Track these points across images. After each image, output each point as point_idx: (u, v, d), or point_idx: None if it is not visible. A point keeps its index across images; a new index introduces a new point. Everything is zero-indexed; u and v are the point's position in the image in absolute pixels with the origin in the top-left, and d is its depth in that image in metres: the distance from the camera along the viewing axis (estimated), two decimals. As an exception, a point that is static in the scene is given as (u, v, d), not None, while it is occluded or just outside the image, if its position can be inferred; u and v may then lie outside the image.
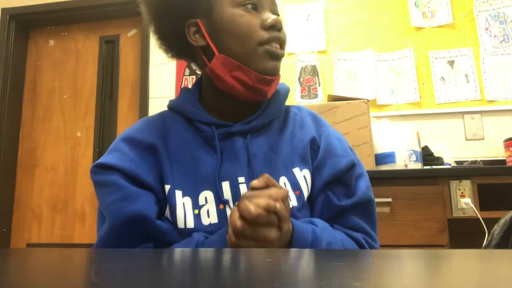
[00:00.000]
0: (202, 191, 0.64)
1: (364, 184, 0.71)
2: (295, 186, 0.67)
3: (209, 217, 0.62)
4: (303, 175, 0.68)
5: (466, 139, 2.04)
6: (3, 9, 2.73)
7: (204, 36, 0.67)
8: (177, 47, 0.75)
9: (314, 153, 0.71)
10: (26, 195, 2.64)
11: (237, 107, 0.70)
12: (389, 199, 1.44)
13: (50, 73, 2.78)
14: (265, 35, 0.64)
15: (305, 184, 0.68)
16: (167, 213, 0.64)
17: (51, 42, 2.82)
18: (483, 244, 0.88)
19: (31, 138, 2.71)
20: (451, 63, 2.12)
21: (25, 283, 0.26)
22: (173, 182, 0.64)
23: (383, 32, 2.23)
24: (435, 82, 2.11)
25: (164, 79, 2.47)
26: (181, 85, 2.44)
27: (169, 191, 0.63)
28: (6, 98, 2.64)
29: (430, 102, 2.10)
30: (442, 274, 0.28)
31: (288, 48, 2.32)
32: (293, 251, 0.45)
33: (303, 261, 0.37)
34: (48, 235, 2.55)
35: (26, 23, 2.80)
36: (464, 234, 1.48)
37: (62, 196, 2.58)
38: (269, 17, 0.65)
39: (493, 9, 2.12)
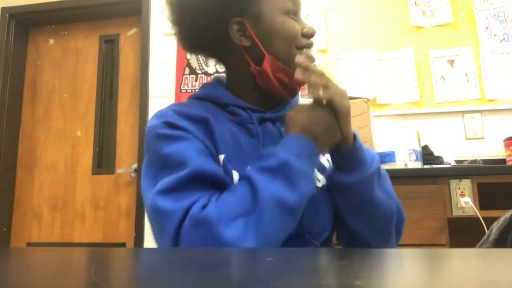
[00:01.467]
0: (248, 167, 0.65)
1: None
2: (322, 169, 0.73)
3: None
4: (326, 159, 0.76)
5: (466, 138, 2.04)
6: (3, 8, 2.73)
7: (249, 36, 0.71)
8: (211, 45, 0.77)
9: None
10: (26, 194, 2.64)
11: (265, 100, 0.75)
12: (389, 198, 1.44)
13: (50, 72, 2.78)
14: (303, 41, 0.72)
15: (329, 166, 0.74)
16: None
17: (51, 41, 2.82)
18: (481, 241, 0.88)
19: (31, 137, 2.71)
20: (451, 62, 2.12)
21: (25, 282, 0.26)
22: (226, 153, 0.66)
23: (383, 31, 2.23)
24: (435, 81, 2.11)
25: (164, 78, 2.47)
26: (181, 84, 2.44)
27: (223, 161, 0.65)
28: (6, 97, 2.64)
29: (430, 101, 2.10)
30: (442, 273, 0.29)
31: (288, 47, 2.33)
32: (293, 250, 0.45)
33: (303, 260, 0.37)
34: (48, 234, 2.55)
35: (26, 22, 2.80)
36: (464, 233, 1.48)
37: (62, 195, 2.58)
38: (306, 26, 0.73)
39: (493, 8, 2.12)
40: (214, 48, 0.77)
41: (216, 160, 0.66)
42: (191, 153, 0.62)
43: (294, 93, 0.74)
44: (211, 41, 0.75)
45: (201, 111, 0.69)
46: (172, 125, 0.65)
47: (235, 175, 0.65)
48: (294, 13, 0.72)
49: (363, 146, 0.69)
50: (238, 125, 0.71)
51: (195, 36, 0.76)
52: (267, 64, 0.70)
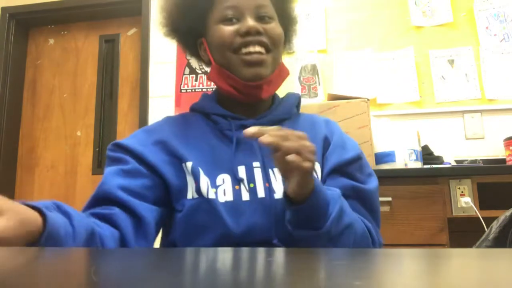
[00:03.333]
0: (220, 174, 0.69)
1: (373, 184, 0.75)
2: None
3: (225, 195, 0.67)
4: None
5: (466, 138, 2.04)
6: (3, 8, 2.73)
7: (207, 52, 0.78)
8: (197, 58, 0.85)
9: (326, 150, 0.77)
10: (26, 194, 2.64)
11: (246, 107, 0.77)
12: (389, 198, 1.44)
13: (50, 72, 2.78)
14: (238, 40, 0.71)
15: (316, 176, 0.72)
16: (193, 187, 0.68)
17: (51, 41, 2.82)
18: (480, 239, 0.88)
19: (31, 137, 2.71)
20: (451, 62, 2.12)
21: (25, 283, 0.26)
22: (196, 160, 0.70)
23: (383, 31, 2.23)
24: (435, 81, 2.11)
25: (164, 78, 2.47)
26: (181, 84, 2.44)
27: (192, 167, 0.69)
28: (6, 97, 2.64)
29: (430, 101, 2.10)
30: (442, 273, 0.29)
31: (288, 47, 2.32)
32: (293, 250, 0.45)
33: (303, 260, 0.37)
34: (48, 234, 2.55)
35: (26, 22, 2.80)
36: (464, 233, 1.47)
37: (62, 195, 2.58)
38: (243, 25, 0.71)
39: (493, 8, 2.12)
40: (201, 61, 0.84)
41: (180, 168, 0.70)
42: (108, 177, 0.67)
43: (253, 96, 0.74)
44: (196, 57, 0.85)
45: (163, 132, 0.74)
46: (117, 145, 0.71)
47: (204, 180, 0.68)
48: (235, 17, 0.72)
49: (320, 199, 0.62)
50: (219, 132, 0.75)
51: (184, 47, 0.85)
52: (213, 73, 0.76)
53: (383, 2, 2.26)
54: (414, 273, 0.31)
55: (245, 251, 0.44)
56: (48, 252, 0.43)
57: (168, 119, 0.80)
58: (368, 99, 1.63)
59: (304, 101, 2.22)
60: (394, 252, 0.41)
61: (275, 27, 0.74)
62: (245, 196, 0.67)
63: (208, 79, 0.81)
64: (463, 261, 0.36)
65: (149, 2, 2.54)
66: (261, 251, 0.44)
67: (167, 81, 2.46)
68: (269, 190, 0.68)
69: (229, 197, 0.67)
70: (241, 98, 0.75)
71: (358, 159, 0.75)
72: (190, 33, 0.79)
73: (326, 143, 0.77)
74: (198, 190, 0.67)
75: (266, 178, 0.69)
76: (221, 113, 0.76)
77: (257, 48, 0.71)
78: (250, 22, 0.71)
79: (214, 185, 0.68)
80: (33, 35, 2.85)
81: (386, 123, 1.72)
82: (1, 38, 2.67)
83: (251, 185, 0.68)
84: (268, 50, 0.72)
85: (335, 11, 2.31)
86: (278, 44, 0.74)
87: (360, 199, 0.73)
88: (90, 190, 0.70)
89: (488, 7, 2.13)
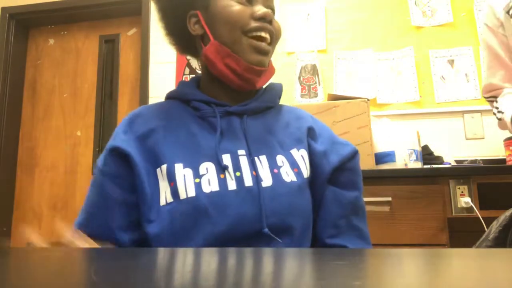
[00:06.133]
0: (203, 162, 0.65)
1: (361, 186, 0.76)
2: (293, 164, 0.69)
3: (210, 185, 0.63)
4: (300, 155, 0.71)
5: (466, 138, 2.04)
6: (3, 8, 2.73)
7: (202, 25, 0.73)
8: (181, 40, 0.80)
9: (312, 139, 0.74)
10: (26, 194, 2.64)
11: (232, 94, 0.74)
12: (389, 198, 1.44)
13: (50, 72, 2.78)
14: (252, 23, 0.69)
15: (303, 162, 0.70)
16: (167, 191, 0.64)
17: (51, 41, 2.82)
18: (480, 239, 0.88)
19: (31, 137, 2.71)
20: (451, 62, 2.12)
21: (25, 283, 0.26)
22: (172, 158, 0.66)
23: (383, 31, 2.23)
24: (435, 81, 2.11)
25: (164, 78, 2.47)
26: (181, 84, 2.44)
27: (167, 169, 0.65)
28: (6, 97, 2.64)
29: (430, 101, 2.10)
30: (442, 273, 0.29)
31: (288, 47, 2.32)
32: (292, 250, 0.45)
33: (303, 260, 0.37)
34: (48, 234, 2.55)
35: (26, 22, 2.80)
36: (464, 233, 1.47)
37: (62, 195, 2.58)
38: (260, 9, 0.69)
39: (493, 8, 2.12)
40: (185, 45, 0.81)
41: (154, 173, 0.66)
42: (91, 208, 0.68)
43: (249, 82, 0.71)
44: (180, 39, 0.80)
45: (147, 125, 0.70)
46: (114, 151, 0.68)
47: (178, 168, 0.65)
48: None
49: None
50: (201, 119, 0.71)
51: (170, 34, 0.80)
52: (210, 48, 0.70)
53: (383, 2, 2.26)
54: (414, 273, 0.31)
55: (245, 251, 0.44)
56: (48, 252, 0.43)
57: (142, 109, 0.76)
58: (368, 99, 1.63)
59: (304, 101, 2.22)
60: (394, 252, 0.41)
61: (279, 24, 0.74)
62: (231, 185, 0.64)
63: (201, 56, 0.74)
64: (463, 261, 0.36)
65: (149, 2, 2.54)
66: (261, 251, 0.44)
67: (167, 81, 2.46)
68: (256, 178, 0.64)
69: (215, 187, 0.63)
70: (234, 82, 0.71)
71: (356, 153, 0.75)
72: (179, 3, 0.75)
73: (311, 132, 0.75)
74: (174, 191, 0.63)
75: (253, 166, 0.66)
76: (204, 99, 0.72)
77: (267, 35, 0.70)
78: (264, 8, 0.70)
79: (197, 175, 0.64)
80: (33, 35, 2.85)
81: (386, 123, 1.72)
82: (1, 38, 2.67)
83: (237, 173, 0.65)
84: (271, 42, 0.72)
85: (335, 11, 2.31)
86: (278, 39, 0.74)
87: (361, 211, 0.73)
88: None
89: (488, 7, 2.12)
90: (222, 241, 0.61)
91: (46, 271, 0.32)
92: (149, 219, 0.64)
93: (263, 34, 0.69)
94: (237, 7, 0.69)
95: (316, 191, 0.71)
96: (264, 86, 0.79)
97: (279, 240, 0.63)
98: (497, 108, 1.30)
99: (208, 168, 0.65)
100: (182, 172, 0.64)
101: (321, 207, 0.71)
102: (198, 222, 0.61)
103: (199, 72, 0.80)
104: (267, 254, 0.41)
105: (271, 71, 0.76)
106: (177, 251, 0.48)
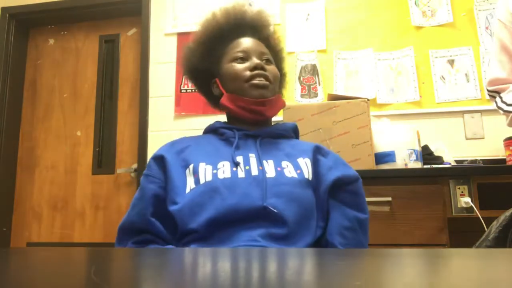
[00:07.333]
0: (221, 161, 0.84)
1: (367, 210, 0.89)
2: (296, 167, 0.85)
3: (224, 173, 0.81)
4: (304, 162, 0.87)
5: (466, 138, 2.04)
6: (3, 8, 2.73)
7: (220, 88, 0.97)
8: (208, 96, 1.06)
9: (321, 155, 0.90)
10: (26, 194, 2.64)
11: (249, 127, 0.94)
12: (389, 198, 1.44)
13: (50, 72, 2.78)
14: (249, 74, 0.92)
15: (306, 167, 0.86)
16: (192, 182, 0.81)
17: (51, 41, 2.82)
18: (480, 239, 0.88)
19: (31, 137, 2.71)
20: (451, 62, 2.12)
21: (25, 282, 0.26)
22: (197, 160, 0.85)
23: (383, 31, 2.23)
24: (435, 81, 2.11)
25: (164, 78, 2.47)
26: (181, 84, 2.44)
27: (193, 167, 0.84)
28: (6, 97, 2.64)
29: (430, 101, 2.10)
30: (441, 273, 0.29)
31: (288, 47, 2.32)
32: (293, 251, 0.45)
33: (304, 260, 0.37)
34: (48, 234, 2.55)
35: (26, 22, 2.80)
36: (464, 233, 1.48)
37: (62, 195, 2.58)
38: (253, 62, 0.93)
39: (493, 8, 2.11)
40: (210, 96, 1.05)
41: (184, 173, 0.84)
42: (133, 202, 0.86)
43: (258, 112, 0.91)
44: (206, 93, 1.06)
45: (184, 144, 0.91)
46: (155, 158, 0.88)
47: (201, 165, 0.83)
48: (243, 57, 0.94)
49: None
50: (224, 140, 0.92)
51: (199, 91, 1.08)
52: (224, 99, 0.95)
53: (383, 2, 2.26)
54: (414, 273, 0.31)
55: (245, 251, 0.44)
56: (48, 252, 0.43)
57: (182, 137, 0.97)
58: (368, 99, 1.63)
59: (304, 101, 2.22)
60: (394, 252, 0.41)
61: (274, 68, 0.96)
62: (241, 174, 0.81)
63: (219, 107, 1.01)
64: (463, 261, 0.36)
65: (149, 2, 2.54)
66: (261, 251, 0.44)
67: (167, 81, 2.46)
68: (262, 171, 0.81)
69: (228, 175, 0.80)
70: (247, 116, 0.92)
71: (358, 178, 0.87)
72: (205, 73, 1.01)
73: (317, 150, 0.90)
74: (197, 180, 0.80)
75: (260, 163, 0.84)
76: (229, 127, 0.94)
77: (262, 79, 0.91)
78: (257, 60, 0.93)
79: (215, 168, 0.82)
80: (33, 35, 2.85)
81: (386, 123, 1.72)
82: (1, 38, 2.67)
83: (247, 167, 0.82)
84: (268, 81, 0.92)
85: (335, 11, 2.31)
86: (276, 80, 0.95)
87: (363, 228, 0.85)
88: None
89: (488, 7, 2.12)
90: (230, 212, 0.75)
91: (46, 271, 0.32)
92: (175, 202, 0.80)
93: (258, 79, 0.91)
94: (237, 65, 0.94)
95: (319, 196, 0.84)
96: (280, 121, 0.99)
97: (277, 211, 0.76)
98: (505, 102, 1.29)
99: (224, 165, 0.83)
100: (204, 167, 0.82)
101: (329, 218, 0.84)
102: (212, 197, 0.77)
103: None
104: (269, 254, 0.41)
105: (279, 103, 0.97)
106: (177, 251, 0.48)
